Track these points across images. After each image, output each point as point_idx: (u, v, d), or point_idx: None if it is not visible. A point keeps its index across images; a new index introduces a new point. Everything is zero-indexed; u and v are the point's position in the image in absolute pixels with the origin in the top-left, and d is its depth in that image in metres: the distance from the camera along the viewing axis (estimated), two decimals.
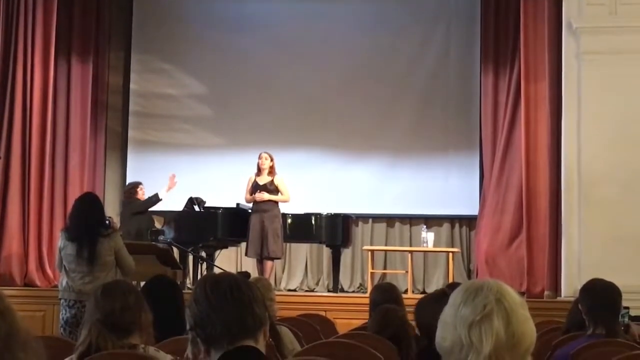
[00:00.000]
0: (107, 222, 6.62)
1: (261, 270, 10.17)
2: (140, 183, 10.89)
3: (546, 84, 10.06)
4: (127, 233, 9.70)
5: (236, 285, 2.37)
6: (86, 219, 6.41)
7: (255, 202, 10.13)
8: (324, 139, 12.42)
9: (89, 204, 6.56)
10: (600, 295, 4.31)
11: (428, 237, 10.75)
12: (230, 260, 11.82)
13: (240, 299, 2.34)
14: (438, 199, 12.20)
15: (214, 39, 12.72)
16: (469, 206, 11.96)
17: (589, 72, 9.49)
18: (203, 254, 10.63)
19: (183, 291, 4.84)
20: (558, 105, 9.87)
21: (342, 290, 11.55)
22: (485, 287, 2.06)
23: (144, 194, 10.78)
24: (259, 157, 10.23)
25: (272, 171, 10.17)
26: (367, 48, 12.52)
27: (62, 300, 6.42)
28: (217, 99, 12.70)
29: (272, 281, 10.48)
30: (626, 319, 4.75)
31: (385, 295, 5.73)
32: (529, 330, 2.04)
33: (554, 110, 9.93)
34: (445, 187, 12.23)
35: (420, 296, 10.89)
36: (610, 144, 9.33)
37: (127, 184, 11.33)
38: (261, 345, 2.36)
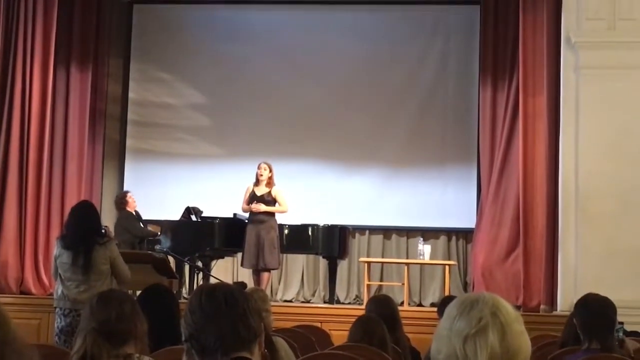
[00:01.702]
0: (102, 230, 6.61)
1: (257, 281, 10.14)
2: (128, 191, 10.92)
3: (544, 98, 10.08)
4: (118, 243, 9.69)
5: (231, 296, 2.36)
6: (82, 228, 6.39)
7: (251, 213, 10.11)
8: (321, 150, 12.43)
9: (85, 213, 6.55)
10: (595, 310, 4.31)
11: (425, 250, 10.75)
12: (227, 270, 11.80)
13: (234, 310, 2.33)
14: (435, 211, 12.21)
15: (213, 48, 12.75)
16: (466, 219, 11.95)
17: (587, 86, 9.51)
18: (199, 263, 10.62)
19: (179, 301, 4.85)
20: (556, 120, 9.89)
21: (338, 302, 11.54)
22: (480, 300, 2.06)
23: (134, 201, 10.76)
24: (258, 167, 10.21)
25: (270, 182, 10.15)
26: (366, 59, 12.55)
27: (57, 309, 6.41)
28: (215, 108, 12.72)
29: (268, 292, 10.48)
30: (621, 334, 4.75)
31: (381, 308, 5.74)
32: (524, 344, 2.04)
33: (552, 124, 9.95)
34: (443, 199, 12.24)
35: (416, 309, 10.97)
36: (608, 159, 9.33)
37: (115, 196, 11.30)
38: (256, 357, 2.36)
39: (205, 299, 2.35)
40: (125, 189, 12.15)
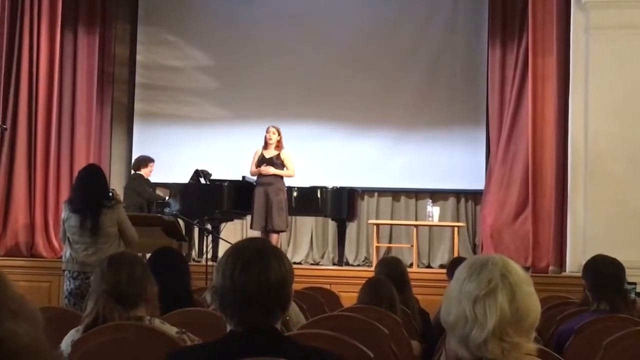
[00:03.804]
0: (110, 193, 6.62)
1: None
2: (153, 160, 10.94)
3: (554, 59, 10.01)
4: (127, 205, 9.75)
5: (262, 267, 2.32)
6: (89, 191, 6.40)
7: (259, 175, 10.12)
8: (330, 112, 12.40)
9: (92, 176, 6.55)
10: (604, 271, 4.32)
11: (433, 212, 10.75)
12: (236, 233, 11.83)
13: (260, 279, 2.30)
14: (444, 173, 12.19)
15: (220, 10, 12.68)
16: (475, 181, 11.95)
17: (597, 46, 9.44)
18: (209, 226, 10.65)
19: (188, 263, 4.87)
20: (566, 80, 9.83)
21: (347, 264, 11.57)
22: (490, 262, 2.07)
23: (152, 171, 10.85)
24: (267, 131, 10.20)
25: (279, 145, 10.14)
26: (374, 20, 12.48)
27: (65, 272, 6.43)
28: (223, 71, 12.69)
29: None
30: (632, 295, 4.77)
31: (390, 269, 5.76)
32: (533, 305, 2.04)
33: (561, 85, 9.89)
34: (451, 161, 12.22)
35: (425, 270, 11.01)
36: (617, 119, 9.29)
37: (140, 155, 11.32)
38: (276, 323, 2.35)
39: (232, 263, 2.32)
40: (134, 152, 12.23)
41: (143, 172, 10.80)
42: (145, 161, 10.90)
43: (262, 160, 10.08)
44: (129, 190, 10.63)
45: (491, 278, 2.02)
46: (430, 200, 11.52)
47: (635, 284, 4.80)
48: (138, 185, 10.67)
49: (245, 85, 12.52)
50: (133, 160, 11.34)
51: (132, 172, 11.14)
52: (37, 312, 1.35)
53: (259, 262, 2.31)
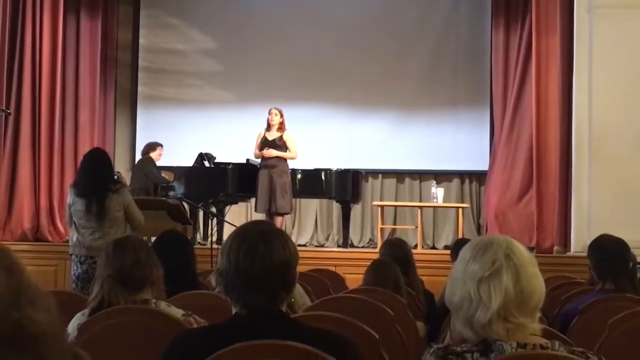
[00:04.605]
0: (115, 177, 6.61)
1: None
2: (162, 145, 11.02)
3: (558, 39, 9.98)
4: (134, 188, 9.80)
5: (267, 250, 2.32)
6: (94, 175, 6.39)
7: (263, 158, 10.12)
8: (333, 94, 12.38)
9: (97, 160, 6.54)
10: (608, 251, 4.32)
11: (438, 193, 10.75)
12: (241, 215, 11.85)
13: (265, 262, 2.31)
14: (448, 154, 12.19)
15: None
16: (479, 162, 11.94)
17: (601, 26, 9.40)
18: (213, 209, 10.67)
19: (194, 247, 4.88)
20: (569, 60, 9.80)
21: (352, 246, 11.57)
22: (494, 243, 2.07)
23: (160, 155, 10.93)
24: (269, 113, 10.19)
25: (281, 127, 10.13)
26: (377, 2, 12.45)
27: (73, 256, 6.44)
28: (226, 54, 12.66)
29: None
30: (638, 274, 4.76)
31: (395, 251, 5.77)
32: (538, 286, 2.05)
33: (565, 66, 9.87)
34: (455, 142, 12.21)
35: (430, 251, 11.02)
36: (622, 100, 9.26)
37: (148, 141, 11.38)
38: (281, 305, 2.36)
39: (237, 246, 2.32)
40: (138, 136, 12.28)
41: (152, 155, 10.89)
42: (153, 146, 10.99)
43: (264, 143, 10.08)
44: (138, 171, 10.74)
45: (495, 259, 2.03)
46: (435, 182, 11.51)
47: None
48: (145, 166, 10.74)
49: (249, 68, 12.51)
50: (142, 147, 11.39)
51: (141, 156, 11.20)
52: (50, 297, 1.37)
53: (263, 245, 2.31)
